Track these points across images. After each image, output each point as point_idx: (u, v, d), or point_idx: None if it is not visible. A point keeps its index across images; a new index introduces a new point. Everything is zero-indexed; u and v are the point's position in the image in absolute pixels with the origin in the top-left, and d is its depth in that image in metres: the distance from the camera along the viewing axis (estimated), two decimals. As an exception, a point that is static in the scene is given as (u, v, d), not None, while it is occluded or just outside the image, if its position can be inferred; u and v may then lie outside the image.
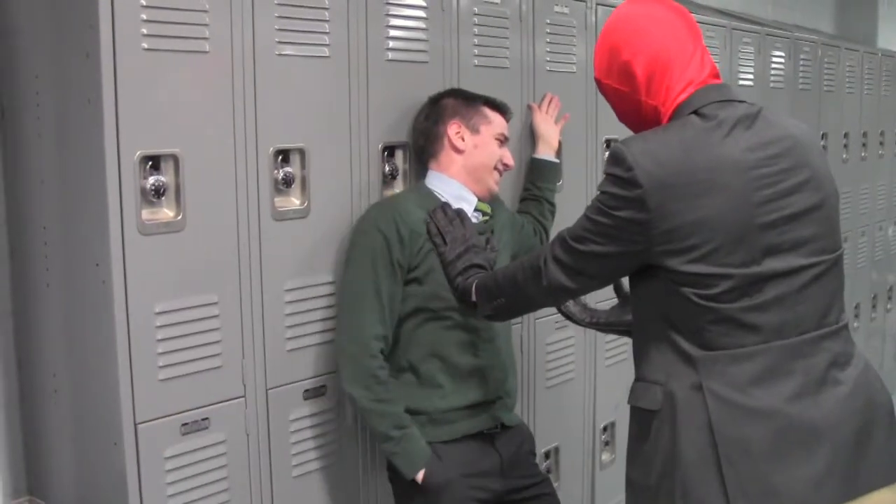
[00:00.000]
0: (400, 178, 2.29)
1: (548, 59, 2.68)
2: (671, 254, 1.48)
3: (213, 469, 1.92)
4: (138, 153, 1.76)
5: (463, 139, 2.19)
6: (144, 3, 1.74)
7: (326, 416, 2.15)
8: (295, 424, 2.08)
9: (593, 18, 2.83)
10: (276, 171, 2.01)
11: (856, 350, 1.59)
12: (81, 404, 1.92)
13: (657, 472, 1.53)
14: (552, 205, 2.58)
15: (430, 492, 2.05)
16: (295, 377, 2.08)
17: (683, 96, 1.56)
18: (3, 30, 1.98)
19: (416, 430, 2.06)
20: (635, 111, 1.63)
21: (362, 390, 2.03)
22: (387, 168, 2.25)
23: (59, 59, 1.84)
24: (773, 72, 3.83)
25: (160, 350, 1.82)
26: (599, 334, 2.84)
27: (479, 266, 1.87)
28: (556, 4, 2.71)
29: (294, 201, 2.06)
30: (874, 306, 4.84)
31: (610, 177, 1.52)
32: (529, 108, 2.63)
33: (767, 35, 3.79)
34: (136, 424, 1.79)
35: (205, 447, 1.90)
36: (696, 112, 1.54)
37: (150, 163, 1.80)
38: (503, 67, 2.55)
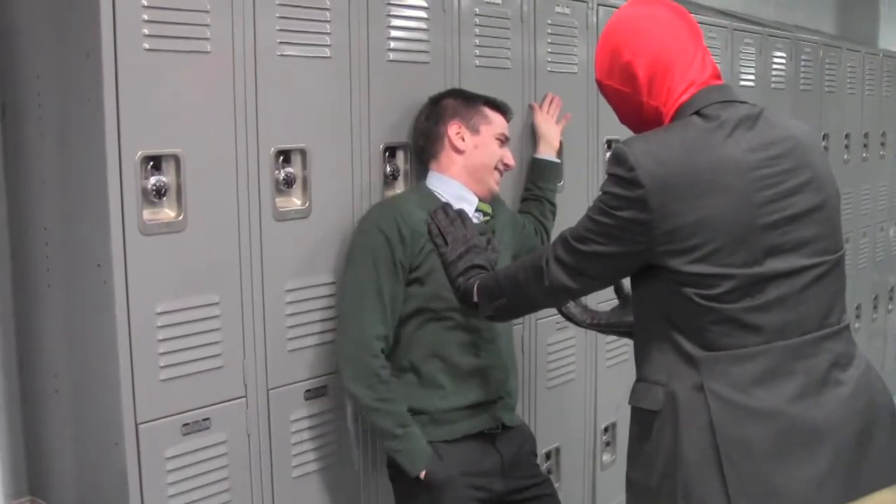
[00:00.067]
0: (401, 179, 2.29)
1: (549, 59, 2.68)
2: (673, 254, 1.48)
3: (214, 469, 1.92)
4: (139, 153, 1.76)
5: (463, 139, 2.19)
6: (145, 4, 1.74)
7: (327, 417, 2.15)
8: (296, 425, 2.08)
9: (594, 19, 2.83)
10: (277, 172, 2.01)
11: (857, 351, 1.59)
12: (82, 404, 1.92)
13: (658, 473, 1.53)
14: (553, 205, 2.58)
15: (431, 490, 2.05)
16: (296, 377, 2.08)
17: (685, 97, 1.56)
18: (5, 30, 1.98)
19: (418, 429, 2.06)
20: (637, 112, 1.63)
21: (365, 389, 2.03)
22: (388, 168, 2.25)
23: (60, 59, 1.84)
24: (774, 72, 3.83)
25: (161, 350, 1.82)
26: (600, 335, 2.84)
27: (481, 266, 1.86)
28: (558, 5, 2.71)
29: (295, 202, 2.06)
30: (875, 307, 4.84)
31: (612, 177, 1.52)
32: (531, 107, 2.63)
33: (769, 36, 3.79)
34: (137, 425, 1.79)
35: (206, 447, 1.90)
36: (697, 113, 1.54)
37: (152, 163, 1.80)
38: (504, 68, 2.55)
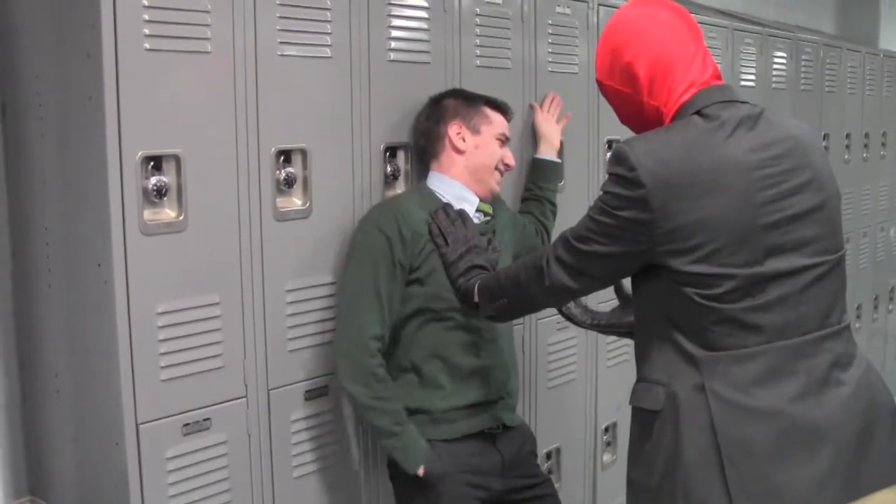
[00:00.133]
0: (402, 179, 2.29)
1: (549, 59, 2.68)
2: (674, 254, 1.48)
3: (215, 469, 1.92)
4: (140, 153, 1.76)
5: (464, 140, 2.19)
6: (146, 4, 1.74)
7: (327, 417, 2.15)
8: (296, 425, 2.08)
9: (595, 19, 2.83)
10: (277, 172, 2.01)
11: (858, 351, 1.59)
12: (83, 404, 1.92)
13: (659, 473, 1.53)
14: (553, 205, 2.58)
15: (431, 488, 2.06)
16: (296, 378, 2.08)
17: (686, 97, 1.57)
18: (5, 30, 1.98)
19: (415, 427, 2.06)
20: (637, 112, 1.63)
21: (362, 388, 2.03)
22: (388, 169, 2.25)
23: (60, 59, 1.84)
24: (774, 72, 3.83)
25: (162, 350, 1.82)
26: (601, 335, 2.84)
27: (481, 267, 1.86)
28: (558, 5, 2.71)
29: (296, 202, 2.06)
30: (876, 307, 4.84)
31: (613, 177, 1.52)
32: (531, 107, 2.63)
33: (769, 36, 3.79)
34: (137, 425, 1.79)
35: (206, 447, 1.90)
36: (698, 113, 1.54)
37: (152, 163, 1.80)
38: (505, 68, 2.55)
